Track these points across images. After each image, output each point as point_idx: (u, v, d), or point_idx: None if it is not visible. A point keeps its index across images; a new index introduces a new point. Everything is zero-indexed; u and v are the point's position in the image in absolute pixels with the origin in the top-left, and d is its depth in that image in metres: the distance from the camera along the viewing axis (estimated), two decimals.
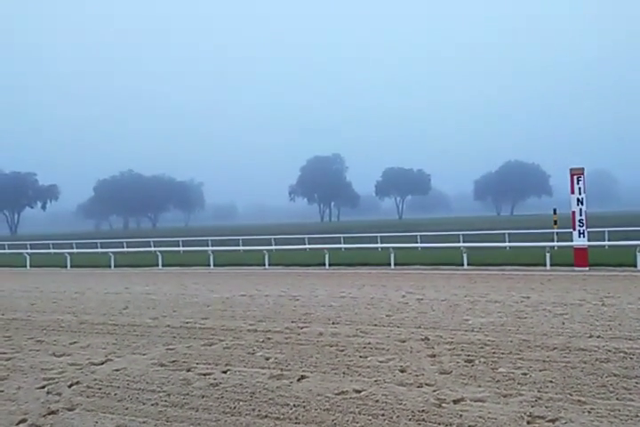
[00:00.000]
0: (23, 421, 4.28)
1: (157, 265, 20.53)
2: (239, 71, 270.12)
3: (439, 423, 3.89)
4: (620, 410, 4.02)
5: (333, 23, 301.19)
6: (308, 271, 16.79)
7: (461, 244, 19.62)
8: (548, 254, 15.08)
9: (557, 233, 21.56)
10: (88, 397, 4.80)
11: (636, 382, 4.64)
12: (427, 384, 4.77)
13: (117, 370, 5.63)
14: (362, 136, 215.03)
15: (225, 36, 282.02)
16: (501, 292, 10.48)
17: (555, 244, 17.51)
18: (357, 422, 3.97)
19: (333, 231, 41.63)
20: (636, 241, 15.08)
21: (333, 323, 7.81)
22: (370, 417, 4.06)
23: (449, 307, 8.88)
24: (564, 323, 7.25)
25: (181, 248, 26.76)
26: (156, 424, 4.12)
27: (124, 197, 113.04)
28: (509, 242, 22.98)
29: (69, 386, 5.12)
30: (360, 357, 5.81)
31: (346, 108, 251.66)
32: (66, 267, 22.06)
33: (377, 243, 26.19)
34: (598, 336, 6.41)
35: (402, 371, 5.22)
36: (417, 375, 5.05)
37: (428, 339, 6.53)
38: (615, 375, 4.85)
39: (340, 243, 26.98)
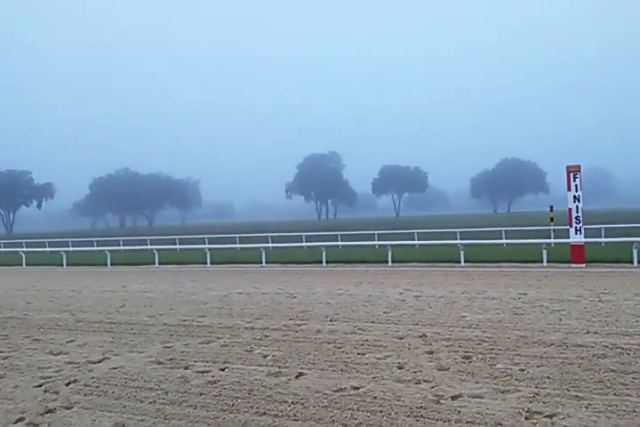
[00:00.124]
0: (21, 419, 4.26)
1: (154, 263, 20.50)
2: (238, 71, 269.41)
3: (437, 420, 3.90)
4: (617, 405, 4.03)
5: (333, 23, 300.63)
6: (306, 269, 16.79)
7: (458, 241, 19.63)
8: (544, 251, 15.13)
9: (554, 230, 21.63)
10: (85, 395, 4.78)
11: (633, 378, 4.65)
12: (424, 381, 4.78)
13: (115, 368, 5.61)
14: (359, 134, 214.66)
15: (225, 36, 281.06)
16: (498, 288, 10.51)
17: (552, 240, 17.57)
18: (356, 419, 3.97)
19: (330, 229, 41.60)
20: (633, 238, 15.15)
21: (331, 320, 7.81)
22: (368, 414, 4.06)
23: (446, 304, 8.89)
24: (561, 319, 7.28)
25: (178, 246, 26.76)
26: (154, 422, 4.11)
27: (120, 195, 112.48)
28: (506, 239, 23.03)
29: (67, 384, 5.10)
30: (358, 354, 5.81)
31: (343, 106, 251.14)
32: (62, 265, 21.99)
33: (374, 240, 26.20)
34: (595, 332, 6.43)
35: (400, 368, 5.22)
36: (415, 372, 5.06)
37: (426, 336, 6.54)
38: (612, 371, 4.87)
39: (338, 240, 26.97)
